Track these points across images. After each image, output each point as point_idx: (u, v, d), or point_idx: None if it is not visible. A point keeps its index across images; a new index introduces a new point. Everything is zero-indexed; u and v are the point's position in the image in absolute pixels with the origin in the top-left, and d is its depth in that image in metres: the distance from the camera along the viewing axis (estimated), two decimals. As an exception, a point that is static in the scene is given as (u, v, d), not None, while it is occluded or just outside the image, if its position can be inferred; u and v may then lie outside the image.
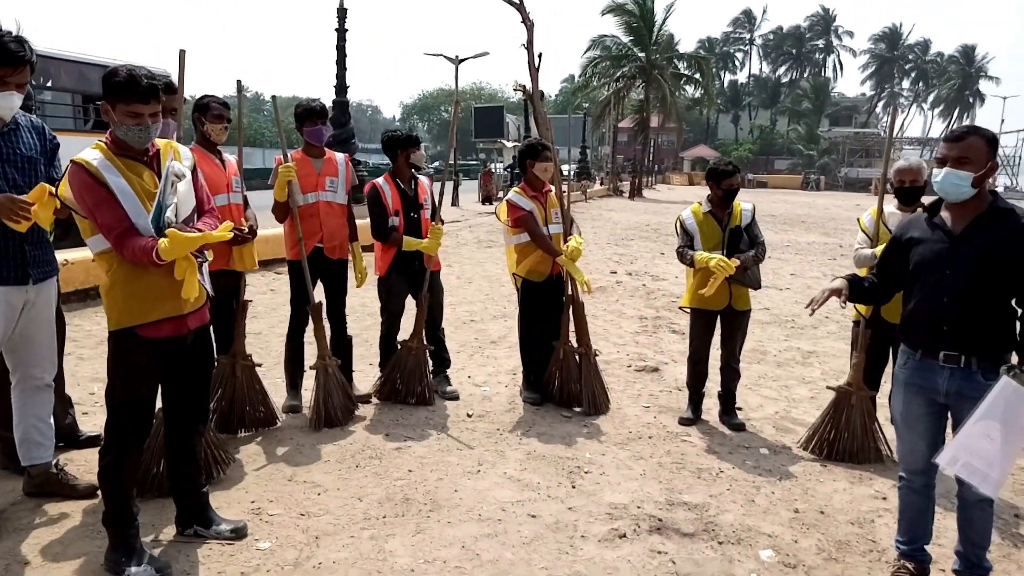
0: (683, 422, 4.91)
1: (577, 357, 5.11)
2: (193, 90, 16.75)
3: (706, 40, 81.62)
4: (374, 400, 5.09)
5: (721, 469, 4.17)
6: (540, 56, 5.12)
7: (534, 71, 5.16)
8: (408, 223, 5.02)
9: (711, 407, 5.05)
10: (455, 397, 5.22)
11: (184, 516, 3.23)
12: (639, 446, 4.48)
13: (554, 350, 5.14)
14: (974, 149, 2.65)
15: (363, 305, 7.91)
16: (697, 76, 43.31)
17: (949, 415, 2.83)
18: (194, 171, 3.03)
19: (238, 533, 3.23)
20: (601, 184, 40.57)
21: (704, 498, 3.78)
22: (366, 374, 5.56)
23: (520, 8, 5.08)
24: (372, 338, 5.72)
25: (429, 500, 3.64)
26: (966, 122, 60.59)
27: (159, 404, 3.14)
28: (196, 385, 3.18)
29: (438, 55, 30.26)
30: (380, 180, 5.09)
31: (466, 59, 29.69)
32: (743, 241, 4.68)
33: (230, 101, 4.47)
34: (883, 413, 4.11)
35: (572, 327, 5.15)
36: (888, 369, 4.18)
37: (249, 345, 4.66)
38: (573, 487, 3.85)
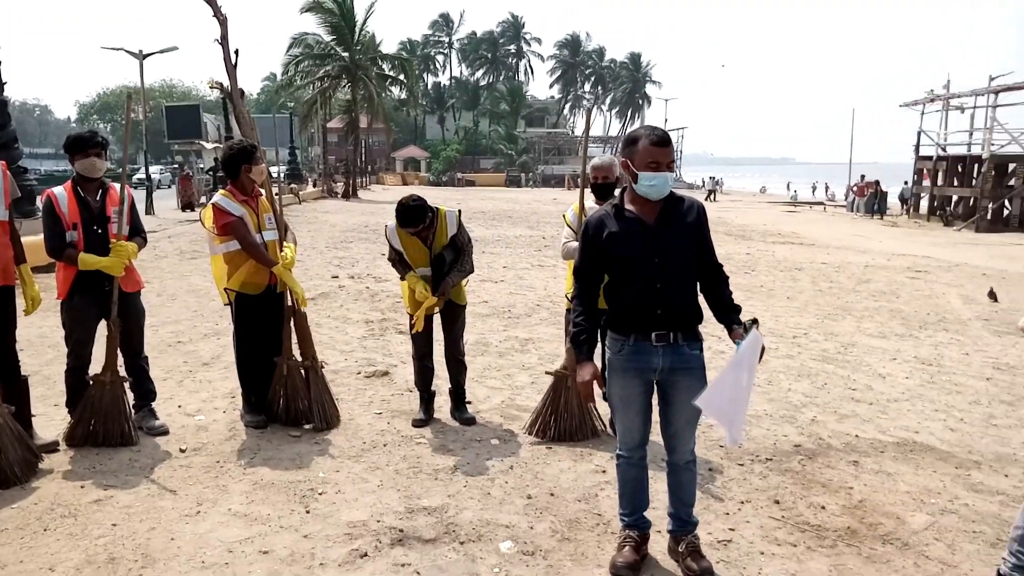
0: (416, 424, 4.90)
1: (303, 371, 4.85)
2: None
3: (407, 42, 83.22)
4: (63, 447, 4.37)
5: (456, 466, 4.22)
6: (237, 53, 4.76)
7: (231, 68, 4.77)
8: (90, 238, 4.38)
9: (443, 404, 5.11)
10: (164, 432, 4.66)
11: None
12: (374, 456, 4.37)
13: (276, 366, 4.83)
14: (674, 150, 2.98)
15: (42, 336, 6.83)
16: (401, 77, 44.07)
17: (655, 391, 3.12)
18: None
19: None
20: (314, 186, 39.52)
21: (443, 499, 3.79)
22: (51, 417, 4.78)
23: (211, 2, 4.66)
24: (55, 374, 4.94)
25: (140, 555, 3.19)
26: (637, 123, 68.97)
27: None
28: None
29: (119, 49, 27.44)
30: (58, 189, 4.44)
31: (152, 54, 27.36)
32: (446, 264, 4.75)
33: None
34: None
35: (295, 339, 4.88)
36: (597, 351, 4.54)
37: None
38: (307, 512, 3.64)
